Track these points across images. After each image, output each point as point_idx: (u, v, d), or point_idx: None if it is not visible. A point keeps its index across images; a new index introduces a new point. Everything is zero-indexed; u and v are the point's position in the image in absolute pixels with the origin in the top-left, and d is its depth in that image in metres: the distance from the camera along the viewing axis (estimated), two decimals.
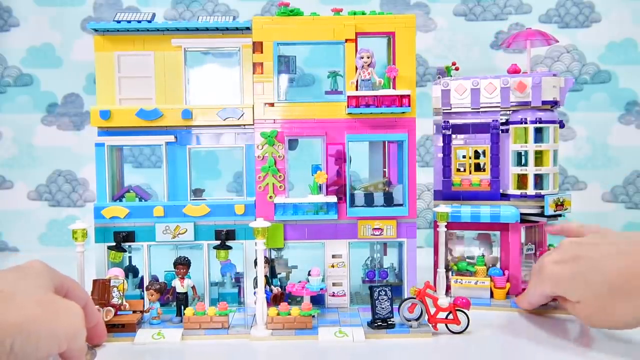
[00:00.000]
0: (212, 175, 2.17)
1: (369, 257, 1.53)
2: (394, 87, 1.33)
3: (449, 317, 1.18)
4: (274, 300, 1.31)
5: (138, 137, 1.37)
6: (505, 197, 1.44)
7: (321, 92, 1.48)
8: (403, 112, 1.33)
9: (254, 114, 1.35)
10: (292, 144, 1.39)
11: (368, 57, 1.31)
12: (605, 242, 1.11)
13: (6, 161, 2.22)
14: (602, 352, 1.07)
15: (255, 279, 1.24)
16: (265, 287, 1.24)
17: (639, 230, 1.98)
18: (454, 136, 1.49)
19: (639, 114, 2.17)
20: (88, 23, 1.39)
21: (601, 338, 1.14)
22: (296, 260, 1.47)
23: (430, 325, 1.18)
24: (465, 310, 1.18)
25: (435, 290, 1.30)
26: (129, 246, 1.40)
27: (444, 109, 1.48)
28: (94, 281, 1.21)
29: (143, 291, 1.33)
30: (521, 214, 1.41)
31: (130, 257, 1.48)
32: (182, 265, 1.28)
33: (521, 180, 1.42)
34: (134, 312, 1.23)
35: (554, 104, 1.41)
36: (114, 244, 1.35)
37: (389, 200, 1.36)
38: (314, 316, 1.22)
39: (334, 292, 1.36)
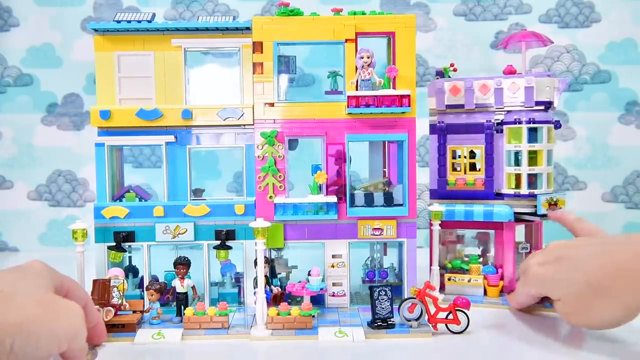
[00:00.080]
0: (212, 175, 2.17)
1: (369, 257, 1.53)
2: (394, 87, 1.33)
3: (449, 317, 1.18)
4: (274, 300, 1.31)
5: (138, 137, 1.37)
6: (500, 196, 1.45)
7: (321, 92, 1.48)
8: (403, 112, 1.33)
9: (254, 114, 1.35)
10: (292, 144, 1.39)
11: (368, 57, 1.31)
12: (587, 244, 1.14)
13: (6, 161, 2.22)
14: (602, 351, 1.07)
15: (255, 279, 1.24)
16: (265, 287, 1.24)
17: (638, 231, 1.98)
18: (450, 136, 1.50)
19: (639, 114, 2.17)
20: (88, 23, 1.39)
21: (600, 336, 1.14)
22: (296, 260, 1.47)
23: (430, 325, 1.18)
24: (465, 310, 1.18)
25: (434, 290, 1.30)
26: (129, 246, 1.40)
27: (438, 110, 1.49)
28: (94, 281, 1.21)
29: (143, 291, 1.33)
30: (515, 213, 1.43)
31: (130, 257, 1.48)
32: (182, 265, 1.28)
33: (517, 180, 1.44)
34: (134, 312, 1.23)
35: (548, 104, 1.41)
36: (114, 244, 1.35)
37: (389, 200, 1.36)
38: (314, 316, 1.22)
39: (334, 292, 1.36)
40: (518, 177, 1.42)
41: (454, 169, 1.50)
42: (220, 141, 1.39)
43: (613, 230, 2.12)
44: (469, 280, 1.44)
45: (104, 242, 1.35)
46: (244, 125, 1.37)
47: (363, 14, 1.35)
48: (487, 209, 1.44)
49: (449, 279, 1.46)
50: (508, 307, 1.36)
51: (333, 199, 1.33)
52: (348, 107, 1.32)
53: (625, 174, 2.19)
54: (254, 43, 1.34)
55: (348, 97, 1.32)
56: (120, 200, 1.40)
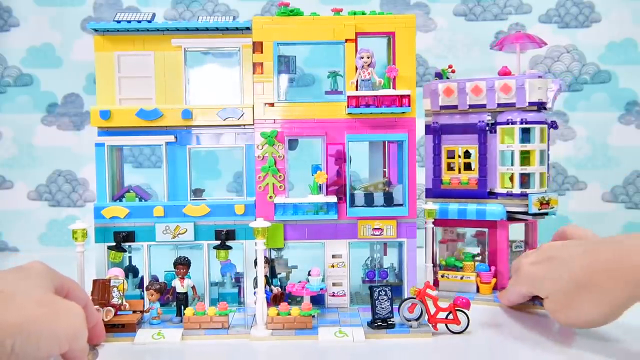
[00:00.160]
0: (212, 175, 2.17)
1: (369, 257, 1.53)
2: (394, 87, 1.33)
3: (449, 317, 1.18)
4: (274, 300, 1.31)
5: (138, 137, 1.37)
6: (493, 195, 1.47)
7: (321, 92, 1.48)
8: (403, 112, 1.33)
9: (254, 114, 1.35)
10: (292, 144, 1.39)
11: (368, 57, 1.31)
12: (577, 244, 1.16)
13: (6, 161, 2.22)
14: (602, 351, 1.07)
15: (255, 279, 1.24)
16: (265, 287, 1.24)
17: (638, 231, 1.98)
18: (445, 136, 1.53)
19: (639, 114, 2.17)
20: (88, 23, 1.39)
21: (599, 335, 1.15)
22: (296, 260, 1.47)
23: (430, 325, 1.18)
24: (465, 310, 1.18)
25: (435, 290, 1.30)
26: (129, 246, 1.40)
27: (433, 110, 1.52)
28: (94, 281, 1.21)
29: (143, 291, 1.33)
30: (508, 212, 1.45)
31: (130, 257, 1.48)
32: (182, 265, 1.28)
33: (512, 179, 1.45)
34: (134, 312, 1.23)
35: (541, 105, 1.42)
36: (114, 244, 1.35)
37: (389, 200, 1.36)
38: (314, 316, 1.22)
39: (334, 292, 1.36)
40: (512, 176, 1.44)
41: (450, 169, 1.52)
42: (220, 141, 1.39)
43: (613, 230, 2.12)
44: (461, 278, 1.47)
45: (104, 242, 1.35)
46: (244, 125, 1.37)
47: (363, 14, 1.35)
48: (480, 207, 1.46)
49: (442, 276, 1.49)
50: (499, 305, 1.38)
51: (333, 199, 1.33)
52: (348, 107, 1.32)
53: (625, 174, 2.19)
54: (254, 43, 1.34)
55: (348, 97, 1.32)
56: (120, 200, 1.40)
